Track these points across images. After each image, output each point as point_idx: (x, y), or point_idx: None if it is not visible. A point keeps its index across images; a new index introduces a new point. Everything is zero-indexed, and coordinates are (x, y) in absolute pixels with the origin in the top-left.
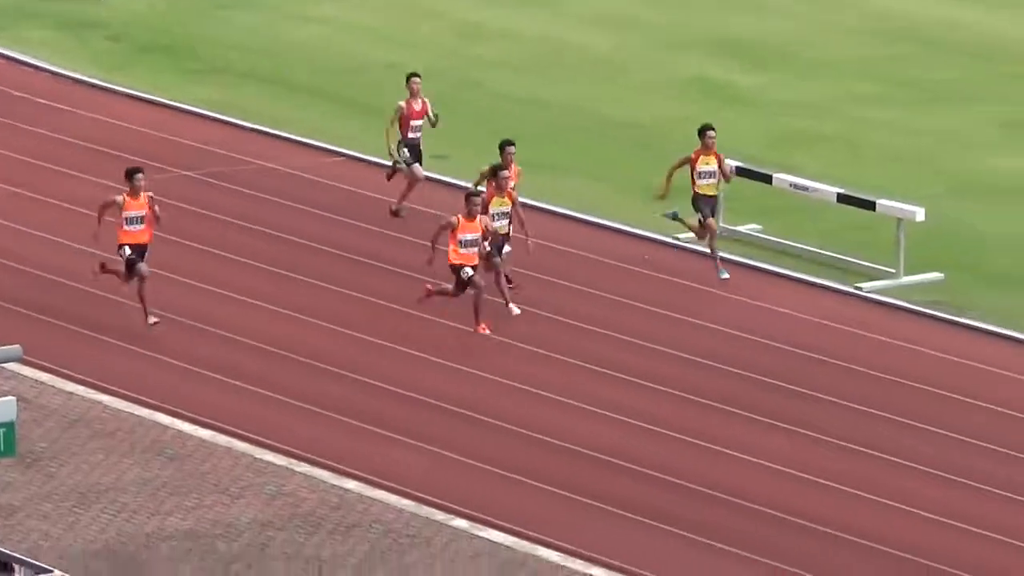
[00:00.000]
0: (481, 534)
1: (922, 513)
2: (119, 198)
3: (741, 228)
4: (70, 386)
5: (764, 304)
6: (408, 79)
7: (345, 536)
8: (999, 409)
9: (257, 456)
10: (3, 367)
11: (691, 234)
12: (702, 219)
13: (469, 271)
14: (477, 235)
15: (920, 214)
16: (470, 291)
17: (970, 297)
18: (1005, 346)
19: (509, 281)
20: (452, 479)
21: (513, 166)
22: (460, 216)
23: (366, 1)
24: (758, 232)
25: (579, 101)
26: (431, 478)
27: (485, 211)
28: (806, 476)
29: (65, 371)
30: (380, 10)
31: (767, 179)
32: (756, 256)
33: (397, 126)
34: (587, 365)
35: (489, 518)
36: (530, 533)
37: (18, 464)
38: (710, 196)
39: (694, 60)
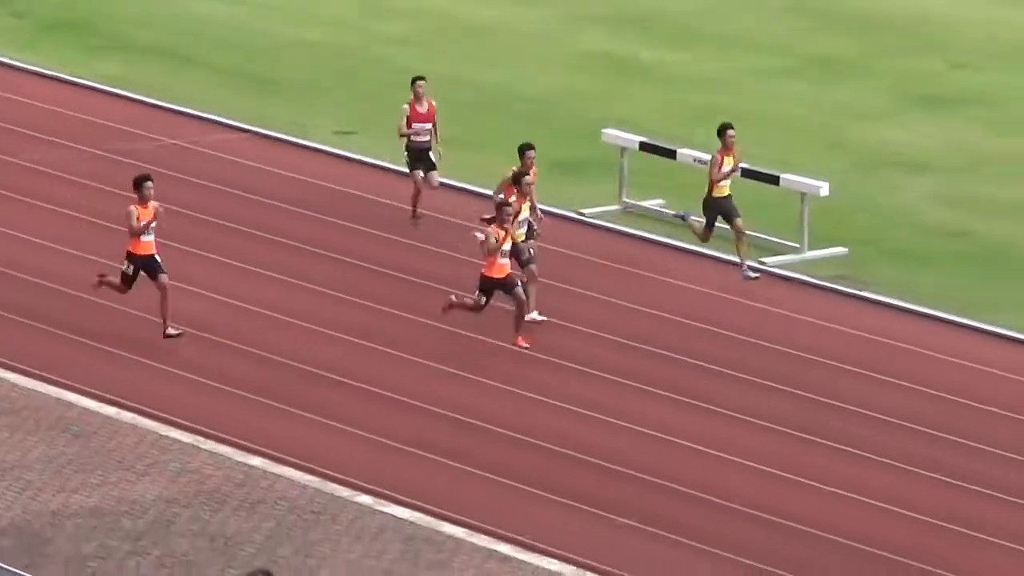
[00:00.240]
0: (385, 510)
1: (827, 488)
2: (132, 209)
3: (645, 203)
4: None
5: (669, 279)
6: (413, 82)
7: (250, 513)
8: (903, 384)
9: (162, 433)
10: None
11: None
12: (710, 225)
13: (512, 283)
14: (509, 245)
15: (824, 189)
16: (509, 304)
17: (872, 271)
18: (907, 320)
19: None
20: (356, 456)
21: (533, 169)
22: (497, 230)
23: None
24: (662, 207)
25: (482, 76)
26: (335, 455)
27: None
28: (699, 448)
29: None
30: None
31: (671, 154)
32: (660, 231)
33: (404, 125)
34: (479, 337)
35: (393, 494)
36: (435, 509)
37: None
38: (725, 197)
39: (597, 35)
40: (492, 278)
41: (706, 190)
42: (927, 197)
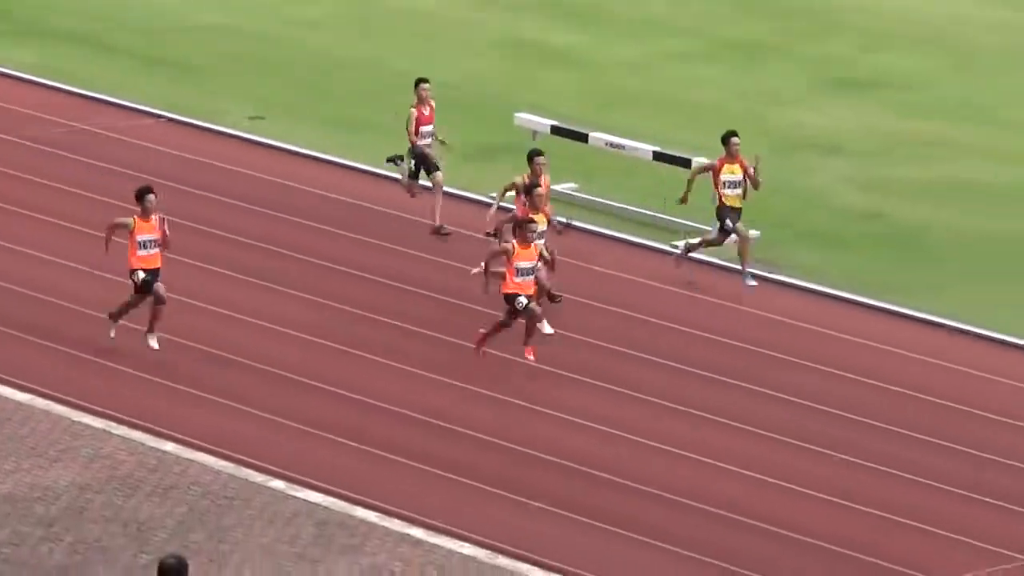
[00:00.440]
0: (298, 495)
1: (735, 468)
2: (128, 220)
3: (558, 187)
4: None
5: (583, 264)
6: (416, 84)
7: (163, 498)
8: (817, 366)
9: (75, 419)
10: None
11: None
12: (723, 229)
13: (524, 300)
14: (533, 263)
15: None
16: (522, 318)
17: (786, 253)
18: (820, 302)
19: (552, 298)
20: (270, 441)
21: (544, 177)
22: (515, 242)
23: None
24: (575, 191)
25: (394, 60)
26: (249, 440)
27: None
28: (612, 431)
29: None
30: None
31: (583, 138)
32: (573, 215)
33: (413, 130)
34: (403, 324)
35: (306, 479)
36: (348, 493)
37: None
38: (736, 208)
39: (509, 19)
40: (507, 293)
41: (717, 199)
42: (841, 180)
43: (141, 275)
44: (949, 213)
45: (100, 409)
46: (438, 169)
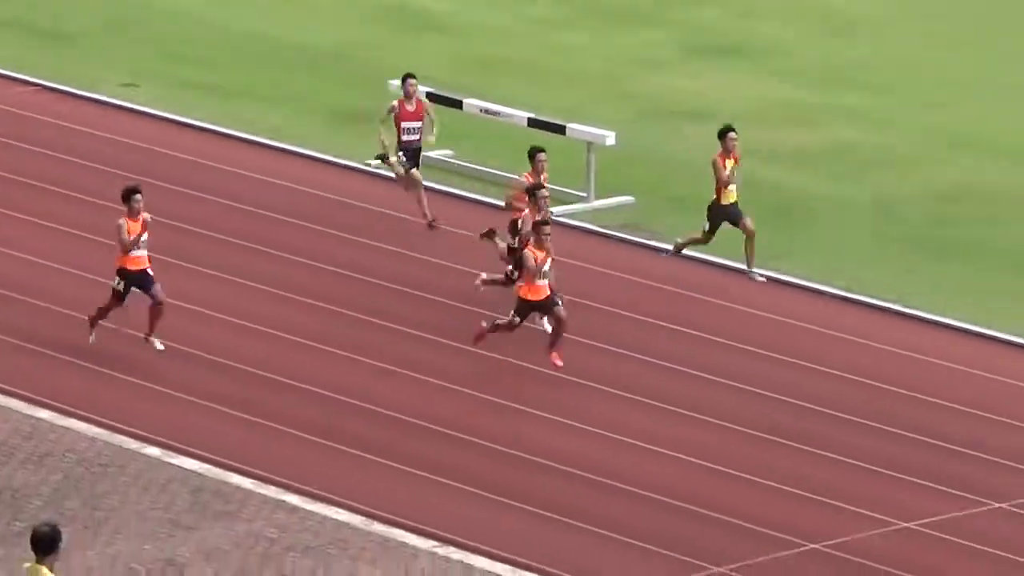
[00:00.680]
0: (173, 461)
1: (617, 436)
2: (121, 222)
3: (432, 154)
4: None
5: (459, 230)
6: (404, 80)
7: (38, 465)
8: (695, 333)
9: None
10: None
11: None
12: (712, 229)
13: (551, 303)
14: (548, 266)
15: (610, 138)
16: (542, 324)
17: (659, 220)
18: (696, 268)
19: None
20: (144, 408)
21: (544, 174)
22: (536, 251)
23: None
24: (450, 158)
25: (263, 25)
26: (123, 407)
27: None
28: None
29: None
30: None
31: (458, 104)
32: (448, 182)
33: (392, 125)
34: (299, 297)
35: (181, 446)
36: (223, 460)
37: None
38: (731, 204)
39: None
40: (530, 301)
41: (713, 196)
42: (713, 146)
43: (120, 281)
44: (822, 178)
45: None
46: (416, 166)
